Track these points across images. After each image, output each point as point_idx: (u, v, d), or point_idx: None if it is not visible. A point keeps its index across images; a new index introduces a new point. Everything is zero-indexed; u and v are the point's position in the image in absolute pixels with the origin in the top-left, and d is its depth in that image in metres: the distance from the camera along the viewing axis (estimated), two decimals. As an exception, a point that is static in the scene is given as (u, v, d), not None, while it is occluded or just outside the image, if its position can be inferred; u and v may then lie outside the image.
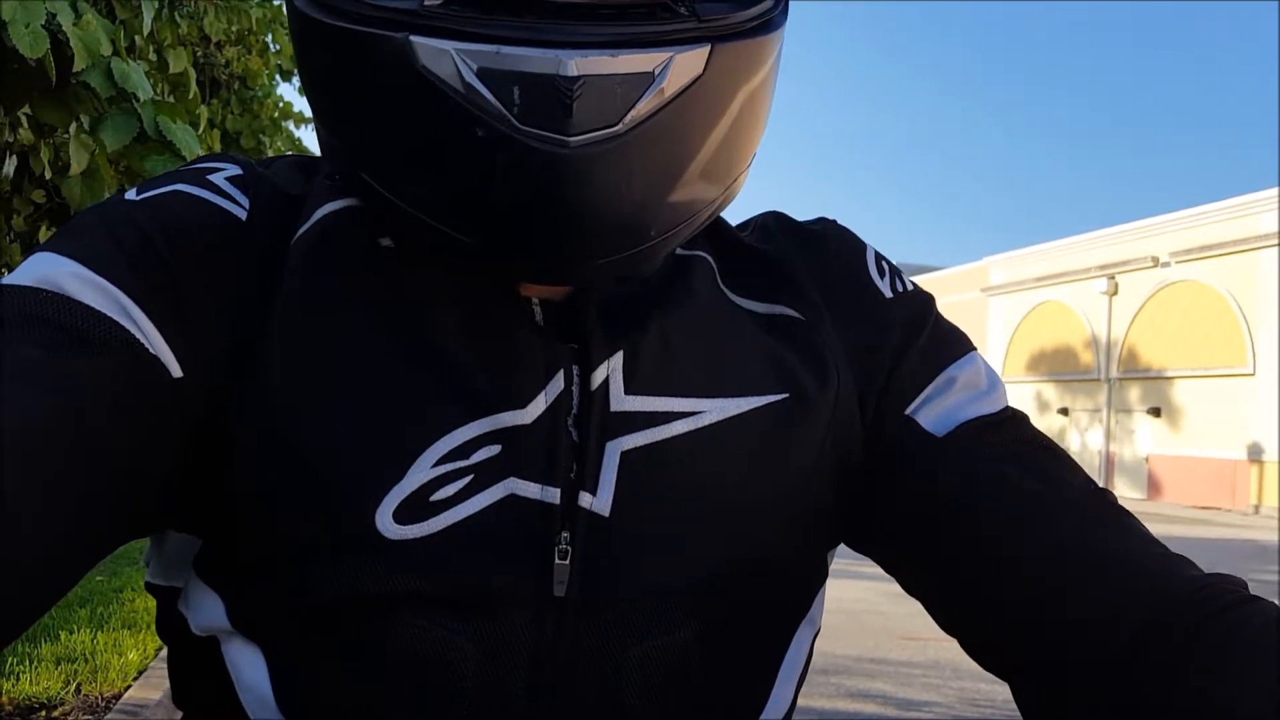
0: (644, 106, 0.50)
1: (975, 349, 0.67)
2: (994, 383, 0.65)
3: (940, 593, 0.61)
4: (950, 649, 5.96)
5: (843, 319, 0.65)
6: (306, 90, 0.58)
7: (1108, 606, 0.53)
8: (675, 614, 0.56)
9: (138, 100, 2.58)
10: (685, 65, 0.50)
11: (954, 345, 0.66)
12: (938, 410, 0.62)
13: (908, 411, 0.62)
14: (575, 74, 0.48)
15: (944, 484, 0.59)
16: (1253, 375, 21.00)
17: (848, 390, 0.63)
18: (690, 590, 0.57)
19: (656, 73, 0.49)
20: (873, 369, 0.64)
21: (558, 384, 0.56)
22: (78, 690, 3.56)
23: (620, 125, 0.49)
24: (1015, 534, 0.57)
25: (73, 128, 2.66)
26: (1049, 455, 0.61)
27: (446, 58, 0.48)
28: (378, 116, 0.53)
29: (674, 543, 0.56)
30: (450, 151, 0.51)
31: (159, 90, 3.66)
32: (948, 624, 0.61)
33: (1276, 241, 20.41)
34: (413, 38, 0.49)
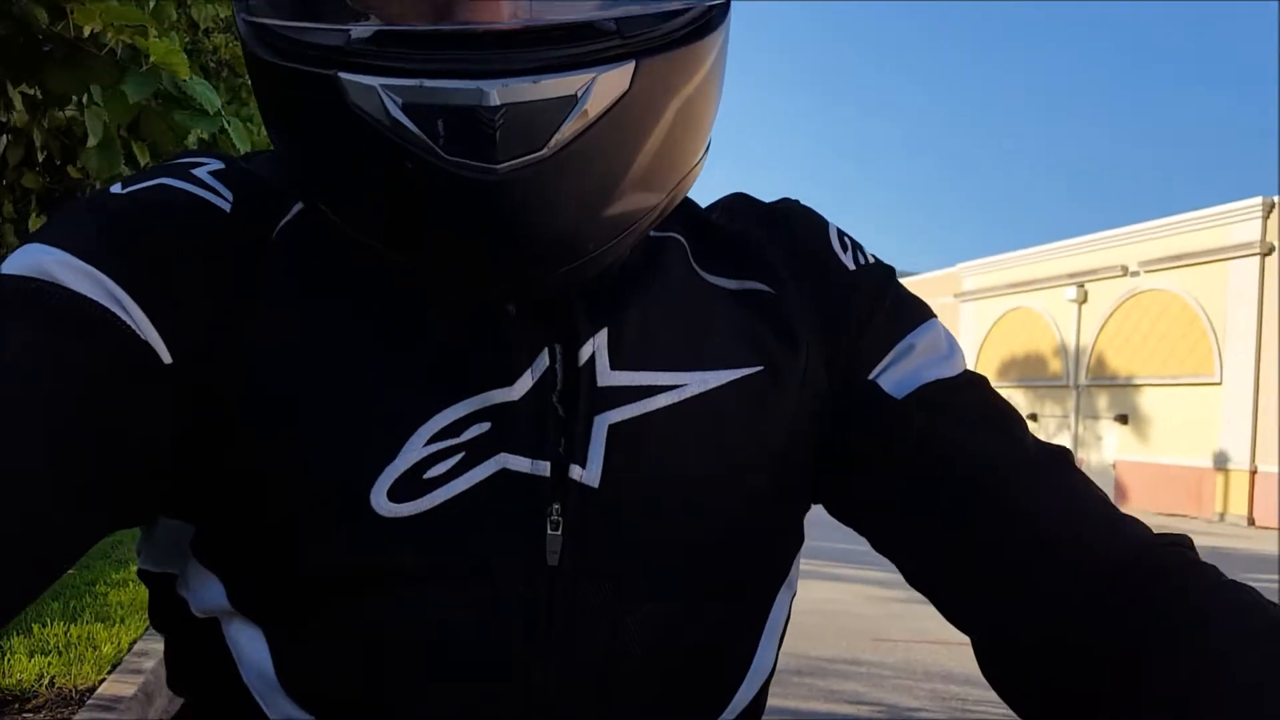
0: (568, 129, 0.50)
1: (935, 316, 0.70)
2: (953, 348, 0.68)
3: (904, 551, 0.65)
4: (922, 651, 5.93)
5: (809, 290, 0.68)
6: (263, 120, 0.59)
7: (1061, 566, 0.57)
8: (665, 579, 0.59)
9: (147, 58, 2.55)
10: (609, 84, 0.51)
11: (914, 313, 0.69)
12: (898, 374, 0.65)
13: (870, 376, 0.66)
14: (497, 103, 0.48)
15: (903, 446, 0.63)
16: (1220, 385, 21.24)
17: (816, 359, 0.66)
18: (679, 556, 0.60)
19: (579, 94, 0.50)
20: (838, 337, 0.67)
21: (543, 361, 0.58)
22: (51, 684, 3.54)
23: (546, 149, 0.50)
24: (970, 495, 0.61)
25: (84, 98, 2.62)
26: (1004, 417, 0.64)
27: (373, 93, 0.49)
28: (315, 147, 0.55)
29: (661, 511, 0.59)
30: (382, 183, 0.52)
31: None
32: (914, 580, 0.65)
33: (1246, 253, 20.67)
34: (341, 74, 0.50)
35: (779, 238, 0.69)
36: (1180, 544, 0.58)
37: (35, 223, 3.22)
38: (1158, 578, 0.55)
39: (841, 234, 0.72)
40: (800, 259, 0.69)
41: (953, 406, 0.64)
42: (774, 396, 0.64)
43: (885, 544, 0.66)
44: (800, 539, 0.68)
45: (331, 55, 0.51)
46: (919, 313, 0.69)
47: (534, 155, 0.49)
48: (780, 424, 0.64)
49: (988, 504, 0.60)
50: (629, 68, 0.51)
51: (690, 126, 0.57)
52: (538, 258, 0.53)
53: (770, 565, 0.66)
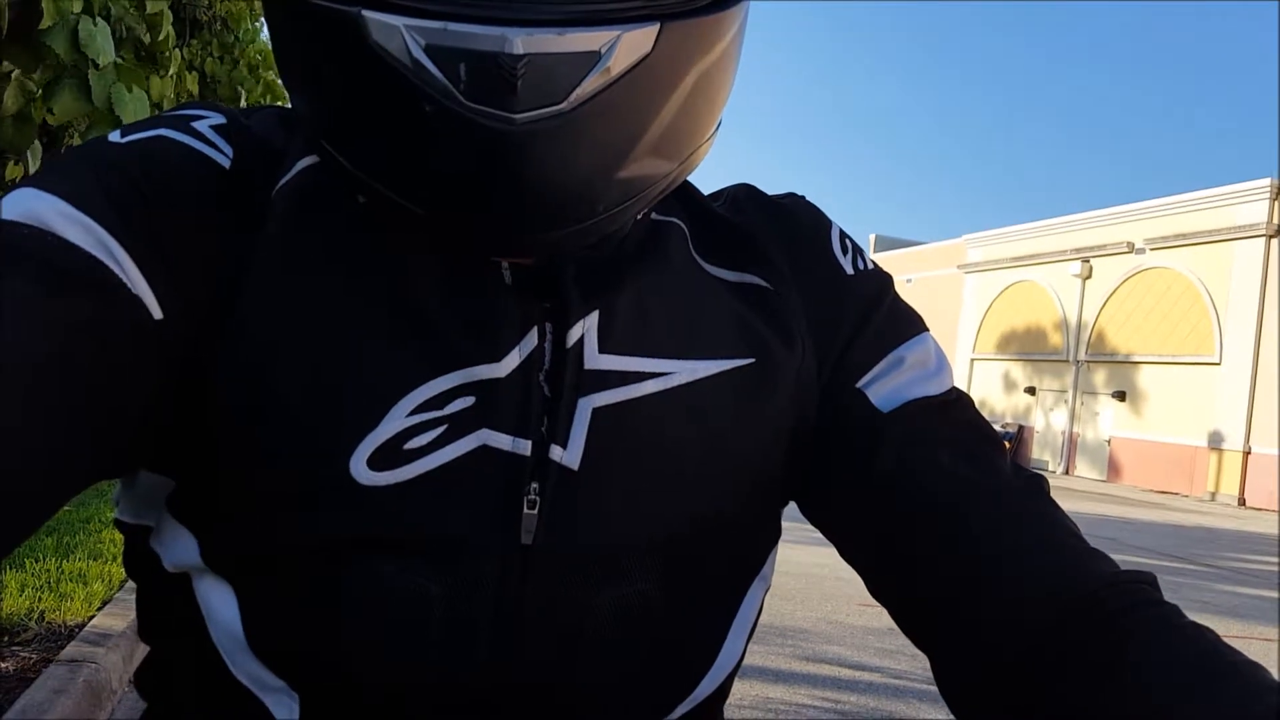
0: (589, 85, 0.49)
1: (927, 330, 0.70)
2: (941, 363, 0.68)
3: (869, 563, 0.65)
4: (906, 617, 5.99)
5: (806, 290, 0.67)
6: (275, 58, 0.59)
7: (1021, 596, 0.57)
8: (637, 565, 0.59)
9: (97, 66, 2.51)
10: (633, 43, 0.50)
11: (907, 325, 0.69)
12: (886, 387, 0.65)
13: (858, 384, 0.65)
14: (520, 52, 0.48)
15: (881, 460, 0.63)
16: (1219, 364, 21.27)
17: (809, 358, 0.65)
18: (652, 543, 0.59)
19: (603, 51, 0.49)
20: (830, 341, 0.66)
21: (531, 340, 0.58)
22: (41, 618, 3.57)
23: (566, 103, 0.49)
24: (938, 520, 0.60)
25: (17, 73, 2.60)
26: (984, 441, 0.64)
27: (396, 33, 0.49)
28: (333, 88, 0.54)
29: (639, 497, 0.59)
30: (399, 126, 0.51)
31: (136, 28, 3.56)
32: (876, 594, 0.65)
33: (1252, 234, 20.61)
34: (364, 12, 0.49)
35: (781, 234, 0.69)
36: (1143, 581, 0.57)
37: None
38: (1114, 616, 0.55)
39: (844, 236, 0.71)
40: (800, 257, 0.69)
41: (935, 427, 0.64)
42: (763, 391, 0.63)
43: (850, 553, 0.66)
44: (777, 533, 0.69)
45: None
46: (912, 325, 0.69)
47: (553, 108, 0.49)
48: (767, 419, 0.64)
49: (953, 531, 0.60)
50: (653, 29, 0.51)
51: (706, 97, 0.56)
52: (548, 213, 0.53)
53: (745, 558, 0.66)
